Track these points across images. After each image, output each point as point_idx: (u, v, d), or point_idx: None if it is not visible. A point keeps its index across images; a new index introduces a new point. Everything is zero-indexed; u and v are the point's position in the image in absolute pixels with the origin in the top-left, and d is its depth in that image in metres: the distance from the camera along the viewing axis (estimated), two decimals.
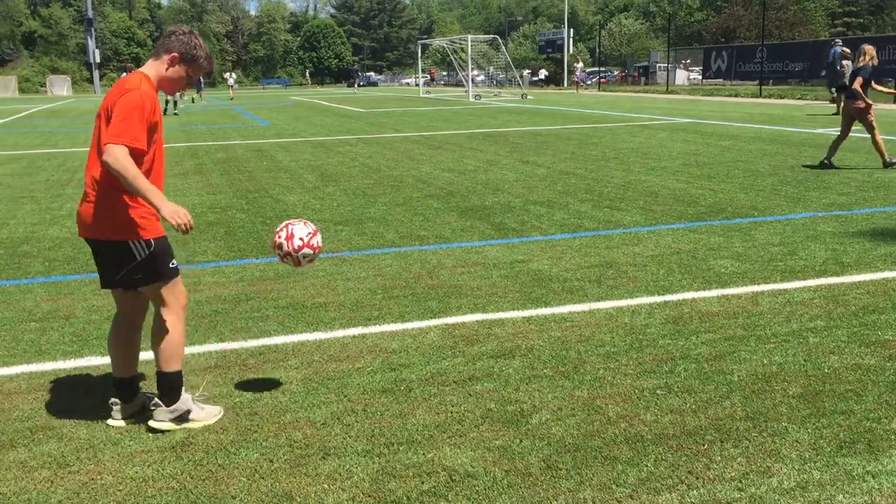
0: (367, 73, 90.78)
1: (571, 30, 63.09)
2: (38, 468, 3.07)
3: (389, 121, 22.82)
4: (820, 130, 15.92)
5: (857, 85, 10.55)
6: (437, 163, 12.29)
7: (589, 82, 44.86)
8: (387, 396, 3.66)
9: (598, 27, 64.28)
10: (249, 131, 20.27)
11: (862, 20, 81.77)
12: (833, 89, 25.04)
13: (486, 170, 11.33)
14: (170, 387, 3.39)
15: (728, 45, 46.61)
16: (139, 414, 3.49)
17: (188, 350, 4.29)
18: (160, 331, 3.39)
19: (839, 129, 11.20)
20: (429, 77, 69.48)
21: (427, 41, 58.40)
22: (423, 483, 2.90)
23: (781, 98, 29.70)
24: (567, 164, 11.68)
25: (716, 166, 11.05)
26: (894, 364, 3.88)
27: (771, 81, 36.23)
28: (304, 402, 3.62)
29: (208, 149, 15.69)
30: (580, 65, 47.20)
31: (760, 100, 29.93)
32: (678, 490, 2.80)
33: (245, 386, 3.82)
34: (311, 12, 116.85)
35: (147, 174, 3.24)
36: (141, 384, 3.65)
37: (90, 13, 69.16)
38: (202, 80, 43.81)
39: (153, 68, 3.38)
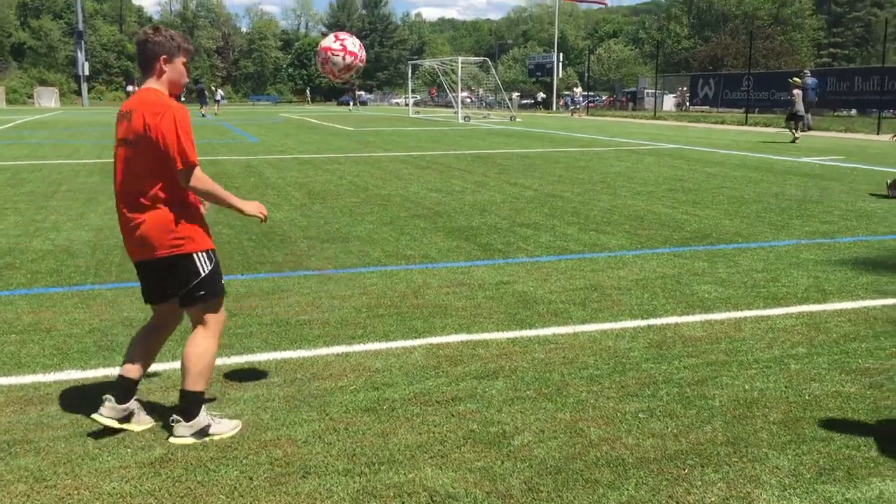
0: (359, 93, 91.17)
1: (561, 54, 63.56)
2: (15, 482, 3.04)
3: (378, 140, 22.88)
4: (804, 159, 16.09)
5: None
6: (424, 183, 12.33)
7: (578, 106, 44.96)
8: (369, 415, 3.65)
9: (587, 52, 64.81)
10: (238, 147, 20.26)
11: (847, 51, 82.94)
12: (805, 116, 25.84)
13: (474, 191, 11.37)
14: (192, 402, 3.41)
15: (715, 73, 47.16)
16: (124, 420, 3.45)
17: (169, 365, 4.27)
18: (196, 350, 3.43)
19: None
20: (429, 97, 69.80)
21: (418, 62, 58.68)
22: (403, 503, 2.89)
23: (767, 126, 29.99)
24: (554, 187, 11.74)
25: (701, 192, 11.13)
26: (874, 392, 3.91)
27: (757, 109, 36.61)
28: (285, 419, 3.60)
29: None
30: (578, 89, 47.25)
31: (746, 127, 30.22)
32: None
33: (227, 403, 3.80)
34: (302, 30, 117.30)
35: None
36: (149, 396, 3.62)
37: (80, 26, 69.18)
38: (205, 93, 44.25)
39: (155, 81, 3.43)
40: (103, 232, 8.21)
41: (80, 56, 67.13)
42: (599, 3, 60.00)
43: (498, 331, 4.90)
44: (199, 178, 3.31)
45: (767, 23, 64.30)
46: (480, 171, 13.98)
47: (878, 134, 24.67)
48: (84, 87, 70.84)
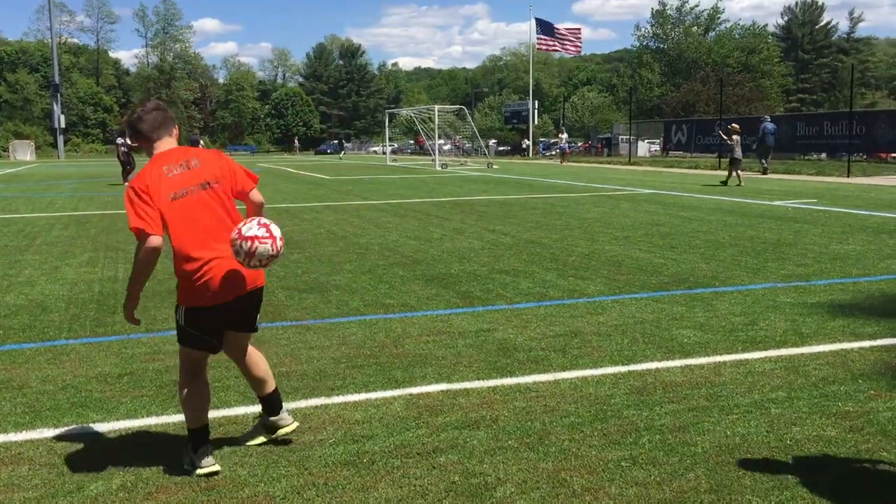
0: (334, 142, 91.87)
1: (536, 101, 64.46)
2: None
3: (356, 188, 22.95)
4: (778, 202, 16.31)
5: None
6: (403, 230, 12.35)
7: (564, 152, 45.02)
8: (349, 469, 3.59)
9: (562, 99, 65.78)
10: None
11: (815, 97, 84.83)
12: (763, 160, 26.93)
13: (453, 238, 11.40)
14: (279, 398, 3.95)
15: (688, 118, 47.96)
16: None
17: (146, 421, 4.19)
18: (259, 358, 3.93)
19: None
20: (416, 145, 70.42)
21: (395, 110, 59.29)
22: None
23: (752, 171, 30.38)
24: (532, 233, 11.80)
25: (678, 236, 11.23)
26: (855, 436, 3.91)
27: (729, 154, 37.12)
28: (263, 475, 3.54)
29: None
30: (565, 136, 47.35)
31: (719, 171, 30.61)
32: None
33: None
34: (279, 80, 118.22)
35: None
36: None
37: (57, 79, 69.31)
38: (199, 141, 44.79)
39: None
40: (78, 286, 8.12)
41: (57, 109, 67.13)
42: (571, 51, 60.99)
43: (479, 379, 4.87)
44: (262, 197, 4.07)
45: (737, 70, 65.71)
46: (459, 218, 14.03)
47: (847, 177, 25.09)
48: (60, 139, 70.73)
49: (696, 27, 76.49)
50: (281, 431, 3.86)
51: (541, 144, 52.23)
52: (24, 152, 68.17)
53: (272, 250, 3.54)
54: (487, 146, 55.68)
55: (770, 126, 28.03)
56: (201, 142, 51.25)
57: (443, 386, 4.75)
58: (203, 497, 3.33)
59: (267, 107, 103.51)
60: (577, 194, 19.57)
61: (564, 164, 41.43)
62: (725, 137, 22.70)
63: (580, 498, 3.27)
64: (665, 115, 57.53)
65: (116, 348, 5.66)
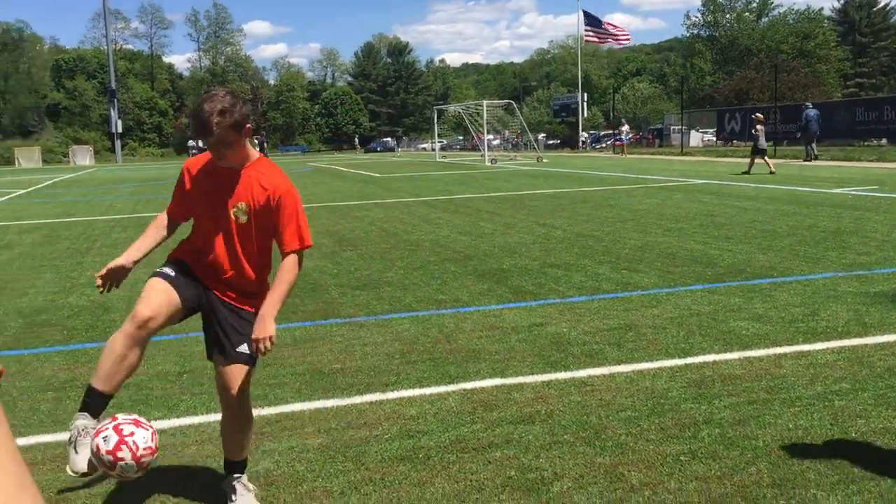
0: (385, 139, 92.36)
1: (585, 94, 63.87)
2: None
3: (406, 185, 23.03)
4: (837, 190, 15.90)
5: None
6: (454, 226, 12.35)
7: (604, 144, 44.37)
8: (405, 464, 3.60)
9: (611, 91, 65.06)
10: None
11: (874, 80, 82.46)
12: (809, 147, 26.70)
13: (503, 233, 11.36)
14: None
15: (741, 107, 47.03)
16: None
17: (205, 418, 4.27)
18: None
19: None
20: (470, 142, 70.38)
21: (443, 107, 59.28)
22: None
23: (796, 159, 29.73)
24: (584, 227, 11.70)
25: (733, 227, 11.02)
26: None
27: (785, 142, 36.34)
28: (321, 470, 3.57)
29: None
30: (626, 127, 46.25)
31: (775, 160, 30.00)
32: None
33: (261, 455, 3.78)
34: (328, 80, 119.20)
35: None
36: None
37: (113, 84, 70.94)
38: (265, 143, 46.44)
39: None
40: (137, 287, 8.26)
41: (114, 114, 68.72)
42: (621, 42, 60.30)
43: (532, 374, 4.84)
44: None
45: (791, 56, 64.23)
46: (509, 213, 13.98)
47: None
48: (118, 144, 72.37)
49: (748, 13, 75.02)
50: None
51: (590, 137, 51.64)
52: (83, 157, 69.93)
53: (137, 466, 2.75)
54: (536, 140, 55.41)
55: (813, 112, 27.60)
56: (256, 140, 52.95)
57: (497, 381, 4.73)
58: (262, 493, 3.37)
59: (317, 107, 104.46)
60: (629, 186, 19.35)
61: (625, 156, 40.56)
62: (758, 128, 23.13)
63: (638, 493, 3.23)
64: (718, 104, 56.52)
65: (175, 347, 5.76)
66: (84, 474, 2.90)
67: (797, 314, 6.03)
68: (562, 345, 5.46)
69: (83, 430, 2.87)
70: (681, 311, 6.27)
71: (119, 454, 2.70)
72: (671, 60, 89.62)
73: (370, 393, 4.61)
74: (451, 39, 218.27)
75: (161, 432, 4.07)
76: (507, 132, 56.69)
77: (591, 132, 67.36)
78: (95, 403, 2.98)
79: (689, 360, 5.00)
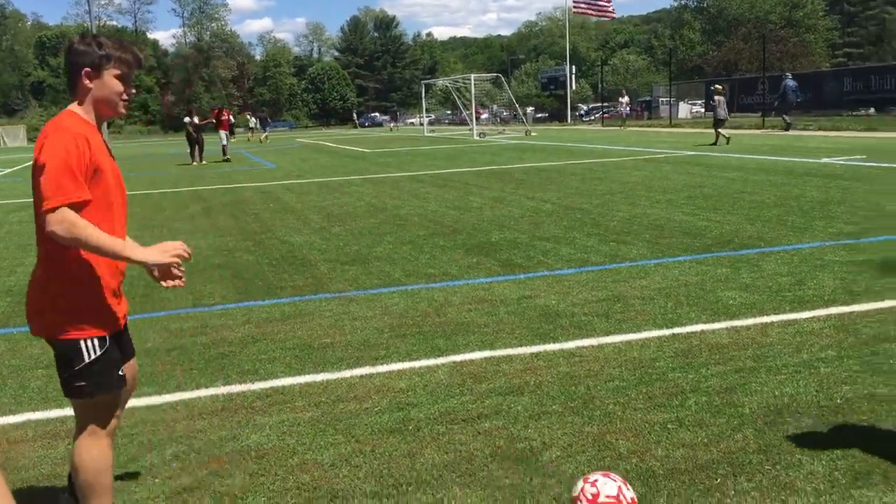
0: (373, 115, 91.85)
1: (573, 66, 63.61)
2: None
3: (395, 160, 22.96)
4: (825, 160, 15.94)
5: None
6: (442, 201, 12.33)
7: (594, 117, 44.24)
8: (395, 436, 3.63)
9: (599, 63, 64.84)
10: (256, 174, 20.40)
11: (862, 50, 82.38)
12: (785, 116, 27.08)
13: (492, 206, 11.36)
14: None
15: (729, 77, 46.95)
16: None
17: (195, 394, 4.28)
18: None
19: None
20: (455, 116, 70.01)
21: (431, 81, 59.00)
22: None
23: (786, 129, 29.74)
24: (572, 199, 11.70)
25: (721, 198, 11.05)
26: None
27: (773, 112, 36.35)
28: (311, 443, 3.59)
29: (215, 192, 15.79)
30: (625, 99, 45.74)
31: (763, 131, 30.02)
32: None
33: (252, 429, 3.80)
34: (315, 55, 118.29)
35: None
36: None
37: None
38: (268, 120, 47.72)
39: (76, 103, 2.71)
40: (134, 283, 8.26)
41: None
42: (607, 15, 59.93)
43: (521, 346, 4.87)
44: (60, 221, 2.48)
45: (780, 25, 64.03)
46: (498, 187, 13.97)
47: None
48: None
49: None
50: None
51: (589, 109, 51.40)
52: None
53: None
54: (525, 113, 55.23)
55: (791, 83, 27.97)
56: (253, 119, 53.75)
57: (486, 353, 4.76)
58: (254, 465, 3.39)
59: (303, 82, 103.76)
60: (618, 158, 19.34)
61: (624, 128, 40.33)
62: (717, 99, 23.52)
63: (626, 460, 3.26)
64: (706, 75, 56.39)
65: (164, 323, 5.76)
66: None
67: (784, 283, 6.07)
68: (550, 317, 5.48)
69: None
70: (668, 282, 6.30)
71: None
72: (659, 32, 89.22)
73: (360, 367, 4.62)
74: (437, 12, 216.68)
75: (151, 408, 4.11)
76: (495, 106, 56.46)
77: (591, 105, 67.17)
78: None
79: (677, 330, 5.04)
